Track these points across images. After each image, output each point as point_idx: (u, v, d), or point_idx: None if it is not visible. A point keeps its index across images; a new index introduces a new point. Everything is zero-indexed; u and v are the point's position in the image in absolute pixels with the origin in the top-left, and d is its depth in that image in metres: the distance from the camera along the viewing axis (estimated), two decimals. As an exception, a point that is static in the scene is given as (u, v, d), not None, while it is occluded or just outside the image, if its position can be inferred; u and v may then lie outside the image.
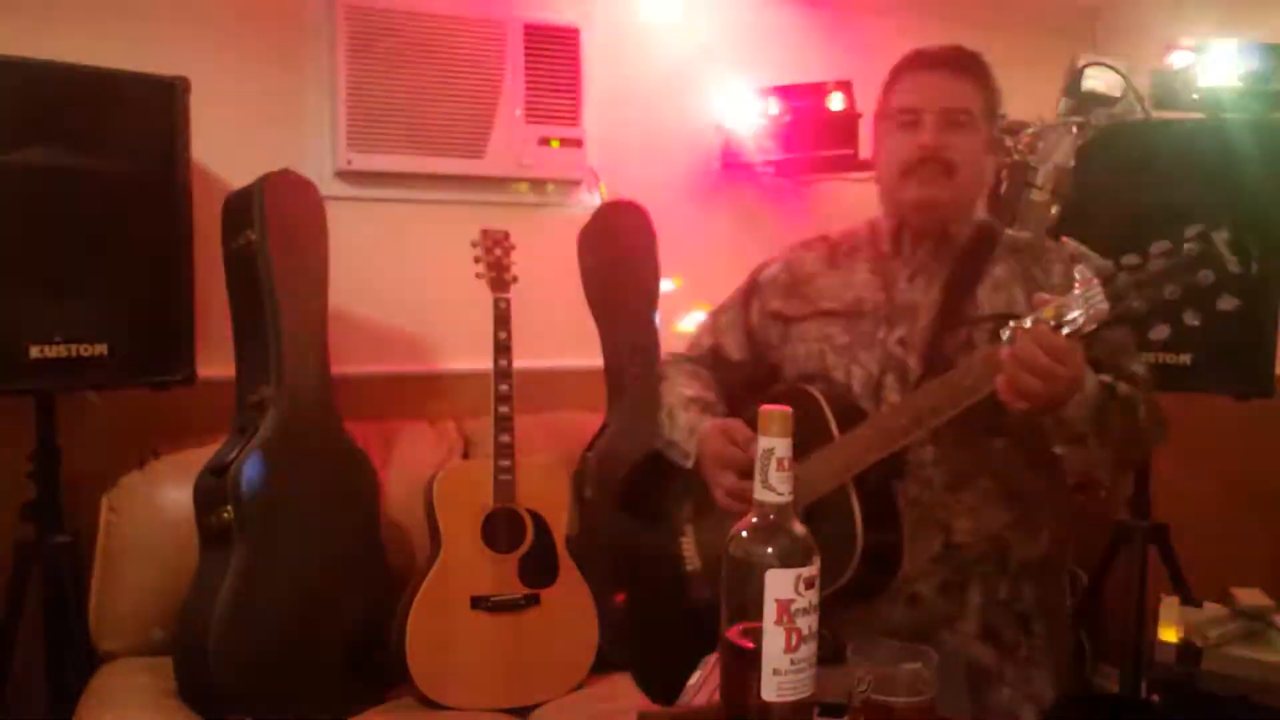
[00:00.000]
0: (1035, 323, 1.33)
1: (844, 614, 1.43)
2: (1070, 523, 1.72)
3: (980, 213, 1.77)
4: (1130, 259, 1.31)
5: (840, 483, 1.50)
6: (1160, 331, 1.32)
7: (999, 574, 1.61)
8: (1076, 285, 1.33)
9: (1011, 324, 1.36)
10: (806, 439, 1.52)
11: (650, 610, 1.81)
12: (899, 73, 1.70)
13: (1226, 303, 1.28)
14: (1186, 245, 1.29)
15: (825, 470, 1.53)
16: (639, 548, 1.84)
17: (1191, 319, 1.29)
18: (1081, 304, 1.31)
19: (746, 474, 1.56)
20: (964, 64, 1.66)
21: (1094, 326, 1.32)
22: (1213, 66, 2.48)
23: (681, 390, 1.80)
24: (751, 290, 1.85)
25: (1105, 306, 1.30)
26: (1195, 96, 2.46)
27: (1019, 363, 1.33)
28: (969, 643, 1.59)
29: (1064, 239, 1.72)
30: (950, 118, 1.61)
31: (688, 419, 1.74)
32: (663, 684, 1.60)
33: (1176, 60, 2.53)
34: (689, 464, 1.71)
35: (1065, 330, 1.32)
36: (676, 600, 1.74)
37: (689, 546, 1.76)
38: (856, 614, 1.53)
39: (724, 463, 1.61)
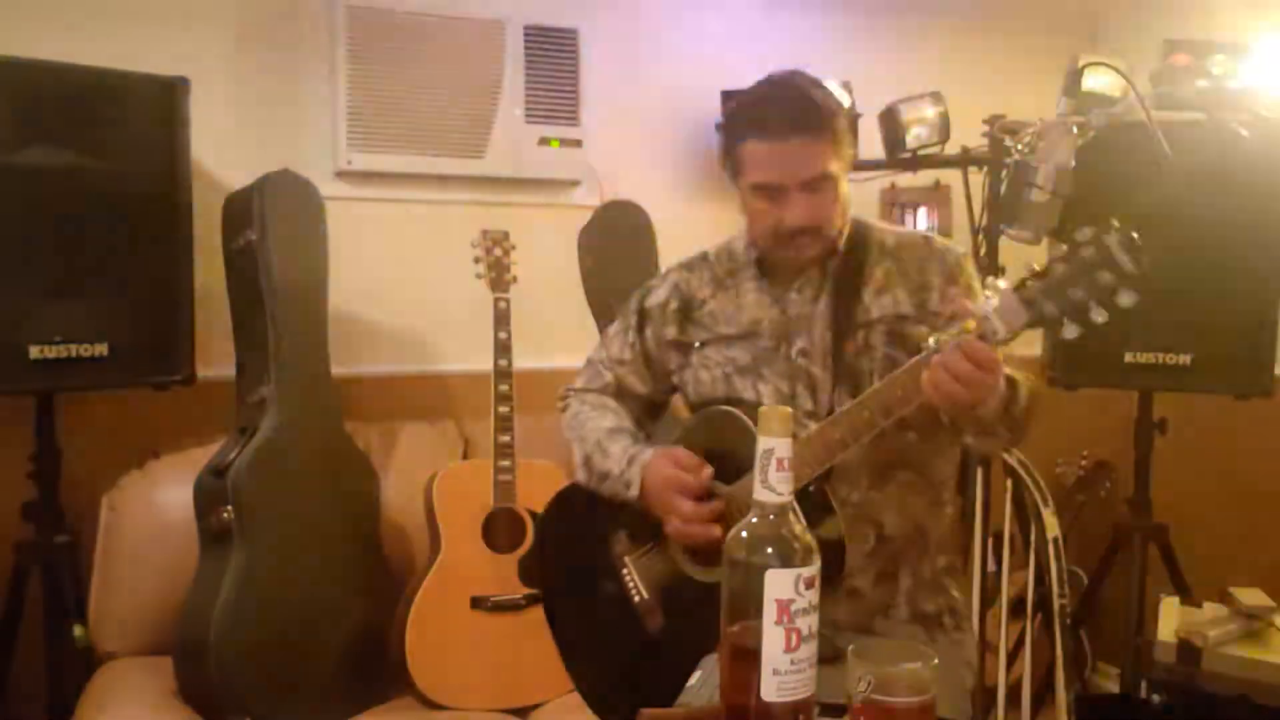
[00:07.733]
0: (960, 334, 1.38)
1: None
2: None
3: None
4: (1032, 266, 1.39)
5: None
6: (1071, 331, 1.37)
7: (922, 555, 1.68)
8: (990, 294, 1.39)
9: (935, 339, 1.40)
10: (739, 460, 1.54)
11: (608, 648, 1.77)
12: (744, 138, 1.60)
13: (1127, 298, 1.35)
14: (1083, 250, 1.36)
15: None
16: (581, 596, 1.81)
17: (1098, 316, 1.35)
18: (1000, 315, 1.37)
19: (700, 499, 1.59)
20: (813, 124, 1.56)
21: (1014, 335, 1.38)
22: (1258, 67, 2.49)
23: (599, 423, 1.78)
24: (642, 318, 1.83)
25: (1024, 316, 1.37)
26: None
27: (949, 372, 1.38)
28: (900, 628, 1.64)
29: (928, 234, 1.74)
30: (813, 186, 1.56)
31: (620, 448, 1.72)
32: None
33: (1176, 60, 2.53)
34: (631, 494, 1.68)
35: (988, 341, 1.38)
36: (633, 633, 1.72)
37: (631, 579, 1.74)
38: None
39: (678, 488, 1.61)
